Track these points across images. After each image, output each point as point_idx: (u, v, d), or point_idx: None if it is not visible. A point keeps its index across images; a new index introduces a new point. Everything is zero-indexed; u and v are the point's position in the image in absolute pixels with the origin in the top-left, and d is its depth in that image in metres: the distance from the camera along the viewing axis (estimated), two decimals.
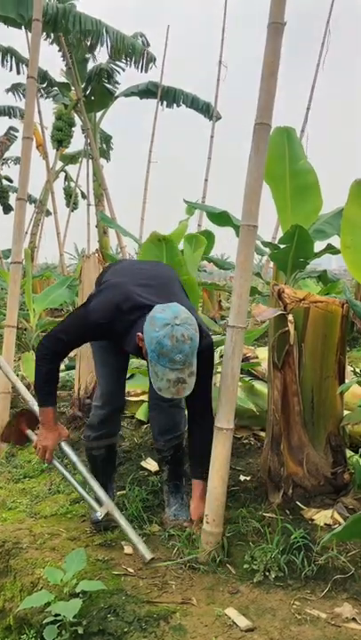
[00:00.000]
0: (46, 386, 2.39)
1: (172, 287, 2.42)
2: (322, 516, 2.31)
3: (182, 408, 2.64)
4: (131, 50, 8.14)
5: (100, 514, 2.35)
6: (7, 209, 16.68)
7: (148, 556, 2.19)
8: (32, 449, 3.51)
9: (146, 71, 8.74)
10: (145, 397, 3.81)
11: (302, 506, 2.38)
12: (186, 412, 2.51)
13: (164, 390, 2.04)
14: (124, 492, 2.79)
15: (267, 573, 2.10)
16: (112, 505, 2.38)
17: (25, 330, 5.36)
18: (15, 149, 15.78)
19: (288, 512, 2.37)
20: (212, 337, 3.51)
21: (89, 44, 8.48)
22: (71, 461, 2.51)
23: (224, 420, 2.23)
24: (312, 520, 2.31)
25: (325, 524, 2.26)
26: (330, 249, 4.16)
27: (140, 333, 2.10)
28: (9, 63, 9.33)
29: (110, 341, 2.42)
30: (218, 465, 2.23)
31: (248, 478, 2.81)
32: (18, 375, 4.87)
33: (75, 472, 2.59)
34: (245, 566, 2.14)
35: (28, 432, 2.85)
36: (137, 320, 2.15)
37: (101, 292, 2.32)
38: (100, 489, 2.42)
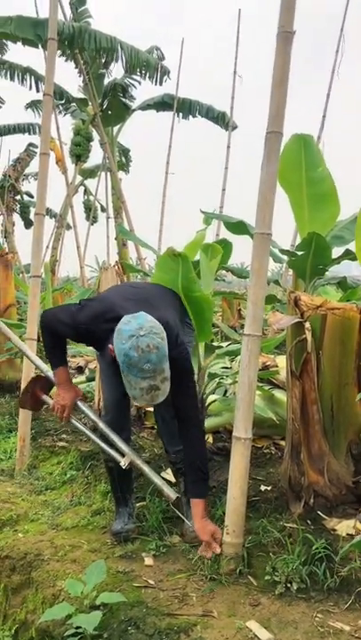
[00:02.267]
0: (54, 350, 2.53)
1: (157, 300, 2.50)
2: (344, 526, 2.27)
3: (199, 423, 2.64)
4: (145, 64, 8.25)
5: (123, 463, 2.38)
6: (29, 224, 16.94)
7: (173, 495, 2.24)
8: (53, 462, 3.55)
9: (160, 84, 8.83)
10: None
11: (324, 516, 2.35)
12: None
13: (138, 399, 2.10)
14: (145, 502, 2.78)
15: (288, 585, 2.07)
16: (134, 454, 2.41)
17: None
18: (35, 165, 16.04)
19: (309, 522, 2.34)
20: (233, 346, 3.51)
21: (104, 60, 8.61)
22: (89, 418, 2.57)
23: (242, 430, 2.21)
24: (334, 530, 2.27)
25: (348, 534, 2.23)
26: (348, 255, 4.12)
27: (110, 345, 2.17)
28: (28, 82, 9.53)
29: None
30: (237, 475, 2.21)
31: (269, 488, 2.78)
32: None
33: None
34: (267, 578, 2.12)
35: (44, 397, 2.87)
36: (114, 329, 2.20)
37: (91, 301, 2.49)
38: (121, 441, 2.44)
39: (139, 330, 2.06)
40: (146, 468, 2.38)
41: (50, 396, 2.84)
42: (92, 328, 2.35)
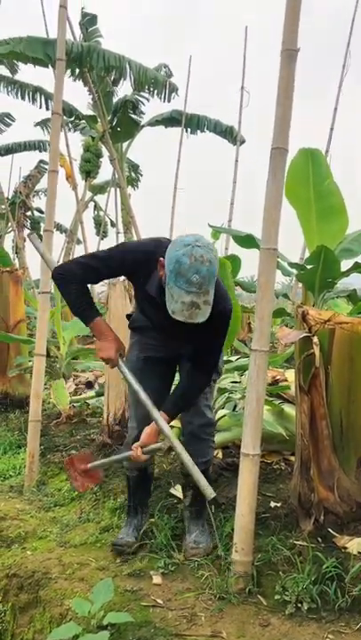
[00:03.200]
0: (79, 302, 2.39)
1: None
2: (355, 544, 2.23)
3: (212, 437, 2.64)
4: (153, 82, 8.35)
5: (163, 446, 2.37)
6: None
7: (209, 494, 2.20)
8: (62, 478, 3.54)
9: (169, 101, 8.93)
10: (175, 423, 3.79)
11: (334, 533, 2.31)
12: (214, 443, 2.55)
13: (177, 313, 2.04)
14: (153, 519, 2.76)
15: (299, 605, 2.03)
16: (175, 439, 2.35)
17: (55, 358, 5.43)
18: (46, 182, 16.26)
19: (320, 540, 2.30)
20: (243, 360, 3.50)
21: (113, 78, 8.74)
22: (128, 380, 2.45)
23: (250, 446, 2.19)
24: (345, 548, 2.23)
25: (359, 553, 2.18)
26: (357, 267, 4.10)
27: (161, 258, 2.12)
28: (38, 101, 9.68)
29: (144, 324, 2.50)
30: (245, 492, 2.19)
31: (279, 504, 2.74)
32: (49, 403, 4.94)
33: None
34: (277, 597, 2.08)
35: (90, 465, 2.63)
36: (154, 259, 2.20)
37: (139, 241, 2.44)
38: (165, 425, 2.35)
39: (196, 242, 2.03)
40: (185, 457, 2.31)
41: (94, 462, 2.66)
42: (139, 259, 2.30)
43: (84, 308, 2.41)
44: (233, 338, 3.08)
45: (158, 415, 2.36)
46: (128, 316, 2.73)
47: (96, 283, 2.62)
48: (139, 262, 2.31)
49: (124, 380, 2.54)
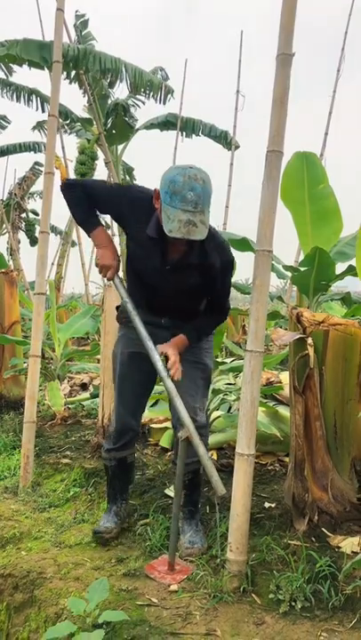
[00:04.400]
0: (83, 209, 2.52)
1: None
2: (348, 544, 2.25)
3: (206, 436, 2.64)
4: (149, 84, 8.37)
5: (181, 435, 2.34)
6: (34, 241, 17.06)
7: (220, 491, 2.20)
8: (57, 479, 3.54)
9: (164, 103, 8.95)
10: (168, 424, 3.81)
11: (328, 533, 2.34)
12: (207, 445, 2.55)
13: (174, 231, 2.09)
14: (148, 520, 2.77)
15: (293, 603, 2.05)
16: (194, 429, 2.33)
17: (50, 359, 5.43)
18: (40, 183, 16.22)
19: (314, 539, 2.32)
20: (237, 362, 3.52)
21: (108, 81, 8.75)
22: (122, 296, 2.52)
23: (245, 446, 2.21)
24: (339, 547, 2.25)
25: (352, 552, 2.21)
26: (351, 271, 4.14)
27: (157, 188, 2.19)
28: (34, 103, 9.68)
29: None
30: (240, 492, 2.21)
31: (273, 505, 2.76)
32: (44, 404, 4.94)
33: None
34: (271, 596, 2.10)
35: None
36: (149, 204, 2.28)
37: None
38: (182, 405, 2.35)
39: (189, 166, 2.14)
40: (201, 450, 2.30)
41: None
42: (129, 195, 2.41)
43: (89, 215, 2.52)
44: (218, 340, 3.12)
45: (172, 385, 2.37)
46: (117, 308, 2.73)
47: (95, 207, 2.57)
48: (140, 201, 2.35)
49: (119, 296, 2.59)
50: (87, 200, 2.50)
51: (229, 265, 2.46)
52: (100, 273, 2.56)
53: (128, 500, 2.86)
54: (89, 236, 2.55)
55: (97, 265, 2.55)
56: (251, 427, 2.22)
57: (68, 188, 2.54)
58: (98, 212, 2.57)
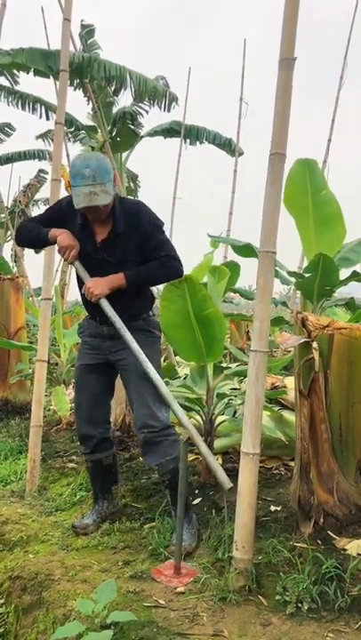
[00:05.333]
0: (31, 235, 2.77)
1: None
2: (354, 546, 2.27)
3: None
4: (153, 92, 8.44)
5: (183, 437, 2.39)
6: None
7: (227, 484, 2.23)
8: (63, 483, 3.57)
9: (168, 111, 9.01)
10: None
11: (334, 535, 2.35)
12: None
13: (80, 203, 2.46)
14: (154, 523, 2.79)
15: (299, 605, 2.06)
16: (193, 429, 2.44)
17: (56, 364, 5.46)
18: (45, 191, 16.29)
19: (320, 542, 2.34)
20: (242, 367, 3.54)
21: (113, 88, 8.82)
22: (109, 315, 2.63)
23: (250, 445, 2.23)
24: (344, 550, 2.27)
25: (358, 554, 2.22)
26: (355, 276, 4.16)
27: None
28: (38, 111, 9.75)
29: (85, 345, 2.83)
30: (246, 491, 2.22)
31: (279, 508, 2.78)
32: (49, 410, 4.97)
33: None
34: (277, 597, 2.11)
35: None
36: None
37: None
38: (184, 417, 2.49)
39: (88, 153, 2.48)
40: (203, 448, 2.39)
41: None
42: (62, 200, 2.79)
43: (37, 233, 2.74)
44: (220, 346, 3.17)
45: (167, 391, 2.56)
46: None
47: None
48: (71, 203, 2.59)
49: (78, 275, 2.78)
50: (35, 227, 2.77)
51: (156, 221, 2.69)
52: (63, 256, 2.71)
53: (112, 501, 3.02)
54: (48, 241, 2.74)
55: (59, 250, 2.71)
56: (256, 426, 2.24)
57: (19, 236, 2.85)
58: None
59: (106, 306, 2.59)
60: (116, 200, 2.64)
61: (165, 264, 2.67)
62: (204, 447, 2.37)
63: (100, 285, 2.61)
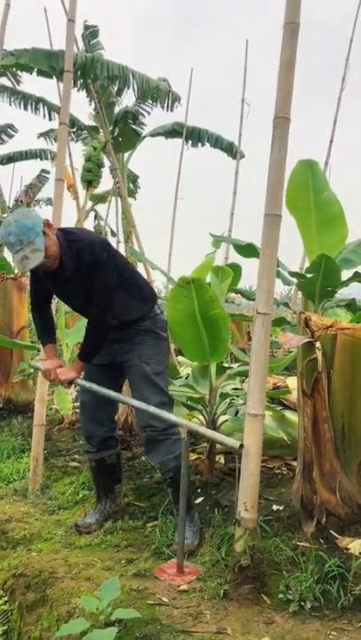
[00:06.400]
0: (38, 330, 2.98)
1: None
2: (357, 545, 2.28)
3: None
4: (156, 91, 8.45)
5: (184, 436, 2.44)
6: None
7: (236, 445, 2.27)
8: (66, 482, 3.58)
9: (172, 110, 9.01)
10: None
11: (336, 534, 2.36)
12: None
13: (19, 269, 2.54)
14: (157, 522, 2.80)
15: (302, 603, 2.08)
16: (185, 421, 2.52)
17: None
18: (46, 190, 16.32)
19: (322, 541, 2.35)
20: (244, 367, 3.56)
21: (116, 88, 8.83)
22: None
23: (256, 406, 2.26)
24: (347, 549, 2.28)
25: (360, 553, 2.23)
26: (357, 277, 4.17)
27: None
28: (41, 111, 9.77)
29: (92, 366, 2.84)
30: (252, 452, 2.25)
31: (281, 508, 2.79)
32: (52, 409, 4.98)
33: None
34: (280, 596, 2.13)
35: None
36: None
37: None
38: (175, 418, 2.56)
39: (10, 214, 2.53)
40: (201, 429, 2.48)
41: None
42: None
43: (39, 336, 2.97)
44: (224, 346, 3.21)
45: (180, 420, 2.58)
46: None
47: (41, 298, 2.96)
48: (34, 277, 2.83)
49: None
50: (37, 325, 2.96)
51: (95, 256, 2.62)
52: (49, 379, 2.89)
53: (115, 499, 3.04)
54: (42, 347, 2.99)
55: (60, 381, 2.81)
56: (261, 387, 2.27)
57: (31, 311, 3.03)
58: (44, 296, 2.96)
59: (80, 382, 2.77)
60: (62, 239, 2.61)
61: (94, 318, 2.72)
62: (201, 428, 2.50)
63: (64, 373, 2.76)
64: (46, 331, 2.97)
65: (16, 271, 2.50)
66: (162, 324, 2.90)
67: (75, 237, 2.66)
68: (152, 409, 2.52)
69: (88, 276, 2.62)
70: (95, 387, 2.70)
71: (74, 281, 2.67)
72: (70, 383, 2.80)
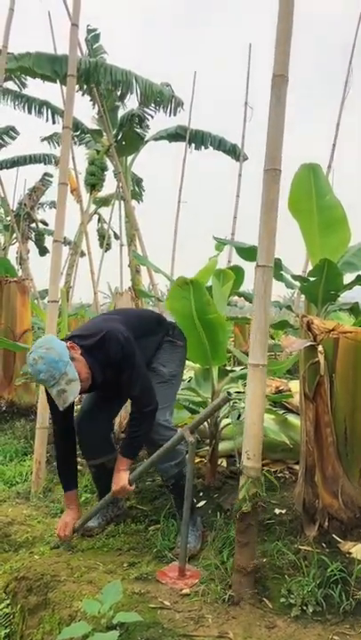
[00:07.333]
0: (59, 469, 2.90)
1: (108, 321, 2.75)
2: (359, 549, 2.27)
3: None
4: (159, 96, 8.50)
5: (192, 440, 2.45)
6: (43, 251, 17.19)
7: (223, 396, 2.35)
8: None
9: (175, 114, 9.09)
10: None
11: (339, 539, 2.36)
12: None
13: (60, 405, 2.42)
14: (159, 525, 2.80)
15: (304, 608, 2.07)
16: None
17: None
18: (50, 194, 16.38)
19: (324, 545, 2.34)
20: (246, 370, 3.56)
21: (120, 93, 8.89)
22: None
23: (259, 356, 2.25)
24: (349, 553, 2.27)
25: None
26: (359, 280, 4.17)
27: None
28: (44, 115, 9.84)
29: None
30: (255, 402, 2.24)
31: (283, 511, 2.79)
32: None
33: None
34: (282, 600, 2.12)
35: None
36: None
37: None
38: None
39: (31, 353, 2.40)
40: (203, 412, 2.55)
41: None
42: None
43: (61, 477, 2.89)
44: (223, 349, 3.22)
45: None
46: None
47: (65, 420, 2.80)
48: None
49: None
50: (66, 452, 2.85)
51: (120, 354, 2.52)
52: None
53: (117, 503, 3.03)
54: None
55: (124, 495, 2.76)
56: (262, 339, 2.27)
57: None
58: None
59: (134, 477, 2.66)
60: (85, 355, 2.51)
61: (138, 414, 2.64)
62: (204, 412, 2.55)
63: (120, 482, 2.63)
64: (70, 477, 2.86)
65: (60, 407, 2.46)
66: (180, 335, 2.94)
67: (91, 343, 2.54)
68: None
69: (115, 371, 2.56)
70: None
71: (103, 384, 2.62)
72: (131, 484, 2.66)
